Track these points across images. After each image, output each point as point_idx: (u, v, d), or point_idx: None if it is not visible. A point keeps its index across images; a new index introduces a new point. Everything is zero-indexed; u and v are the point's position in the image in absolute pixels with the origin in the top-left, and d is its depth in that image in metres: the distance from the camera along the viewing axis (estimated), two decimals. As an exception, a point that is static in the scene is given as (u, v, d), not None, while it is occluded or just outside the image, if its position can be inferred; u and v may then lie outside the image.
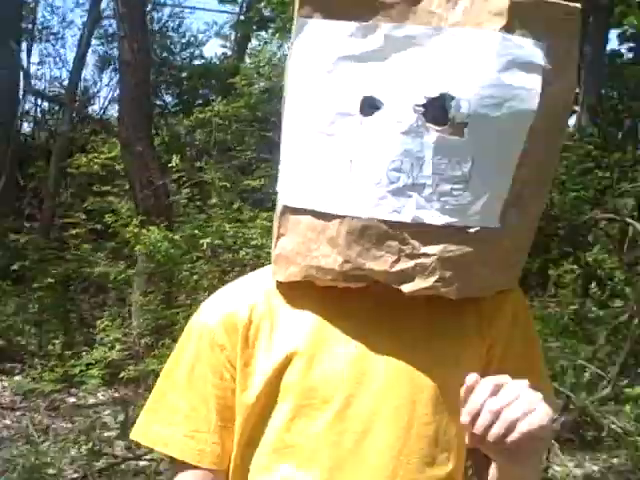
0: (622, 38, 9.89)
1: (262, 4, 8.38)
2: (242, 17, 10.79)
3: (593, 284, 4.18)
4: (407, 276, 1.21)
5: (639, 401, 3.37)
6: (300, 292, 1.30)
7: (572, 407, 3.56)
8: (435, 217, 1.18)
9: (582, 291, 4.39)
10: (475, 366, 1.28)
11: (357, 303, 1.29)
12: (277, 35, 7.69)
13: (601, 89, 8.64)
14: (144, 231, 5.29)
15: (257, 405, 1.27)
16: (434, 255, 1.20)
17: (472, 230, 1.20)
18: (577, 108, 7.08)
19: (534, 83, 1.18)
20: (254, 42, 9.83)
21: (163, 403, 1.35)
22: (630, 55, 10.53)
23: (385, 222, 1.19)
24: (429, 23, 1.19)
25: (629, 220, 3.83)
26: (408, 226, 1.19)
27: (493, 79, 1.17)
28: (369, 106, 1.20)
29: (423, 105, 1.17)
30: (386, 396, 1.25)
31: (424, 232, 1.19)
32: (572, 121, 8.69)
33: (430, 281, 1.20)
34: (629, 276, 3.70)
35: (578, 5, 1.21)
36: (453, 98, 1.16)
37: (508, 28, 1.17)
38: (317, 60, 1.24)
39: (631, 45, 10.48)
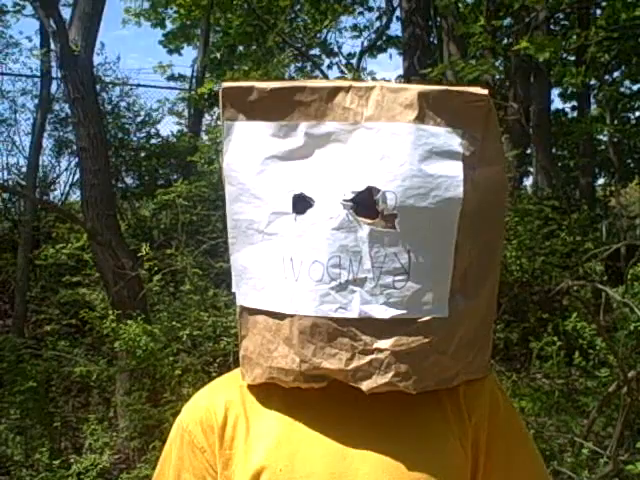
0: (564, 97, 10.17)
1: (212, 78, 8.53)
2: (193, 92, 10.93)
3: (576, 353, 4.18)
4: (364, 373, 1.21)
5: (643, 478, 3.32)
6: (270, 392, 1.32)
7: (577, 488, 3.51)
8: (381, 311, 1.20)
9: (566, 362, 4.40)
10: (462, 459, 1.29)
11: (326, 401, 1.29)
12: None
13: (551, 149, 8.84)
14: (122, 326, 5.27)
15: None
16: (387, 350, 1.20)
17: (420, 321, 1.21)
18: (532, 170, 7.28)
19: (456, 170, 1.20)
20: (208, 117, 9.98)
21: None
22: (574, 114, 10.81)
23: (333, 319, 1.21)
24: (346, 119, 1.24)
25: (600, 286, 3.88)
26: (356, 321, 1.21)
27: (415, 170, 1.19)
28: (301, 203, 1.23)
29: (352, 200, 1.20)
30: None
31: (373, 326, 1.21)
32: (529, 182, 8.95)
33: (388, 377, 1.21)
34: (609, 343, 3.72)
35: (485, 91, 1.23)
36: (379, 191, 1.18)
37: (421, 119, 1.20)
38: (246, 161, 1.28)
39: (574, 104, 10.79)
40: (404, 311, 1.20)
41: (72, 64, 6.35)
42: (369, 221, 1.20)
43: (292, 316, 1.24)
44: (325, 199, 1.21)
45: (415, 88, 1.21)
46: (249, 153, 1.29)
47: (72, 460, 4.77)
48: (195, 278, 5.63)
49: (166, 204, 7.64)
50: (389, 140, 1.21)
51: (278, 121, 1.27)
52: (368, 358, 1.21)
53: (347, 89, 1.24)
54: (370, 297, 1.20)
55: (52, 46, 6.98)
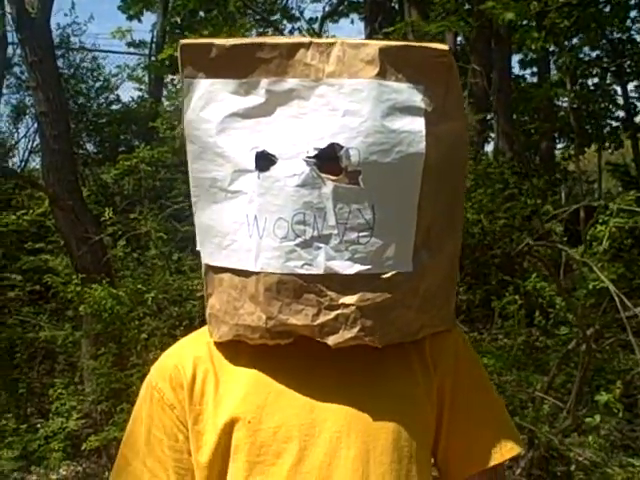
0: (524, 63, 10.29)
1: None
2: (152, 58, 10.77)
3: (537, 312, 4.26)
4: (331, 328, 1.24)
5: (601, 431, 3.44)
6: (238, 348, 1.34)
7: (536, 441, 3.61)
8: (346, 266, 1.22)
9: (526, 320, 4.48)
10: (427, 408, 1.34)
11: (294, 356, 1.31)
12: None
13: (512, 114, 8.93)
14: (86, 289, 5.24)
15: (212, 466, 1.30)
16: (352, 305, 1.23)
17: (385, 276, 1.23)
18: (493, 135, 7.35)
19: (418, 126, 1.22)
20: (169, 83, 9.85)
21: (126, 472, 1.39)
22: (534, 79, 10.96)
23: (299, 275, 1.22)
24: (307, 75, 1.24)
25: (560, 246, 3.96)
26: (322, 277, 1.22)
27: (377, 126, 1.20)
28: (264, 161, 1.24)
29: (315, 156, 1.20)
30: (338, 447, 1.26)
31: (339, 282, 1.23)
32: (490, 148, 9.09)
33: (354, 331, 1.23)
34: (569, 302, 3.81)
35: (446, 47, 1.25)
36: (342, 147, 1.20)
37: (382, 74, 1.21)
38: (208, 119, 1.29)
39: (534, 70, 10.94)
40: (369, 266, 1.22)
41: (29, 27, 6.23)
42: (333, 177, 1.21)
43: (257, 273, 1.24)
44: (288, 156, 1.22)
45: (376, 44, 1.22)
46: (210, 111, 1.29)
47: (39, 425, 4.76)
48: (160, 242, 5.60)
49: (128, 170, 7.57)
50: (351, 96, 1.21)
51: (239, 78, 1.27)
52: (334, 313, 1.23)
53: (307, 45, 1.25)
54: (335, 253, 1.21)
55: (7, 9, 6.80)
